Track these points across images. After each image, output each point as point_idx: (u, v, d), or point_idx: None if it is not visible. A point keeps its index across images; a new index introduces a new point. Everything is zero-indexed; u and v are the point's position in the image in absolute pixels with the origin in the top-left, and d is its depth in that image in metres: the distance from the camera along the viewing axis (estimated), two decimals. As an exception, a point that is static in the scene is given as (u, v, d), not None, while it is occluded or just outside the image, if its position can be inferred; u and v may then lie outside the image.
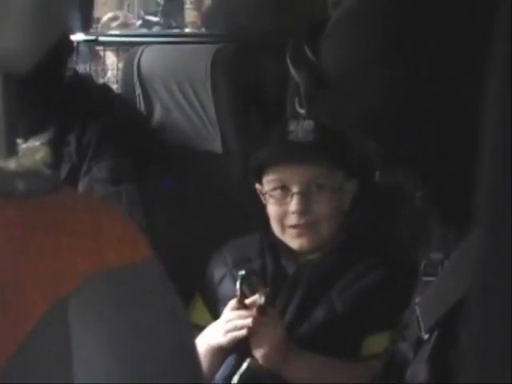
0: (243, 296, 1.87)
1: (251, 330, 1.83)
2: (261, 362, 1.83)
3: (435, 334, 1.28)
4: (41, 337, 0.63)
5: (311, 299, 1.92)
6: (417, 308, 1.32)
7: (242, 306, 1.86)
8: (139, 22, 5.75)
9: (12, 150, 0.75)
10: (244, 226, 2.12)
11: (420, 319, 1.31)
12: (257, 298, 1.84)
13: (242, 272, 1.87)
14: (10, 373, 0.63)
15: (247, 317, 1.83)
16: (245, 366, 1.84)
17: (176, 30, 4.38)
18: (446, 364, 1.24)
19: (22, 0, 0.69)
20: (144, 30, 5.02)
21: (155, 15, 5.75)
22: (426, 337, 1.29)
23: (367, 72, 1.22)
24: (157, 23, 5.46)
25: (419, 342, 1.32)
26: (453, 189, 1.27)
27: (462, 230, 1.25)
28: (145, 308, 0.68)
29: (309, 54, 1.26)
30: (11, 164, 0.72)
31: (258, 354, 1.83)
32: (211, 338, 1.89)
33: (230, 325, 1.85)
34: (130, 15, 5.85)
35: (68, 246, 0.66)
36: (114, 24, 4.83)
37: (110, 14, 5.11)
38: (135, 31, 4.84)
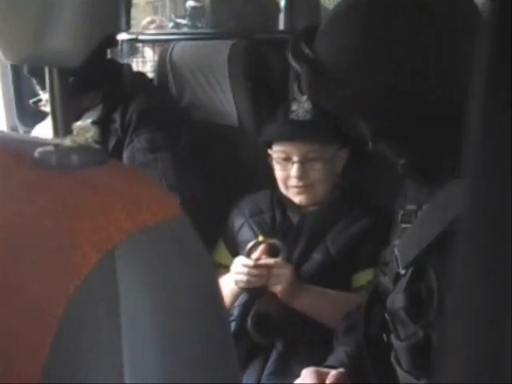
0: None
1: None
2: (279, 296, 1.80)
3: (410, 269, 1.27)
4: (95, 281, 0.63)
5: (312, 243, 1.90)
6: (395, 249, 1.33)
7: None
8: (171, 24, 5.73)
9: (68, 130, 0.74)
10: (256, 184, 2.10)
11: (398, 258, 1.31)
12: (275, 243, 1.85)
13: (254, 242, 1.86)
14: (70, 313, 0.63)
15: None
16: (254, 308, 1.83)
17: (201, 30, 4.33)
18: (418, 293, 1.25)
19: (73, 5, 0.68)
20: (175, 31, 5.00)
21: (184, 18, 5.72)
22: (403, 272, 1.30)
23: (353, 62, 1.20)
24: (185, 25, 5.44)
25: (397, 276, 1.32)
26: (428, 157, 1.26)
27: (432, 187, 1.26)
28: (174, 256, 0.67)
29: (306, 49, 1.25)
30: (67, 141, 0.72)
31: (277, 289, 1.81)
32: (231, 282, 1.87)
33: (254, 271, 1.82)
34: (164, 19, 5.80)
35: (114, 207, 0.65)
36: (152, 26, 4.79)
37: (148, 19, 5.07)
38: (167, 31, 4.81)
